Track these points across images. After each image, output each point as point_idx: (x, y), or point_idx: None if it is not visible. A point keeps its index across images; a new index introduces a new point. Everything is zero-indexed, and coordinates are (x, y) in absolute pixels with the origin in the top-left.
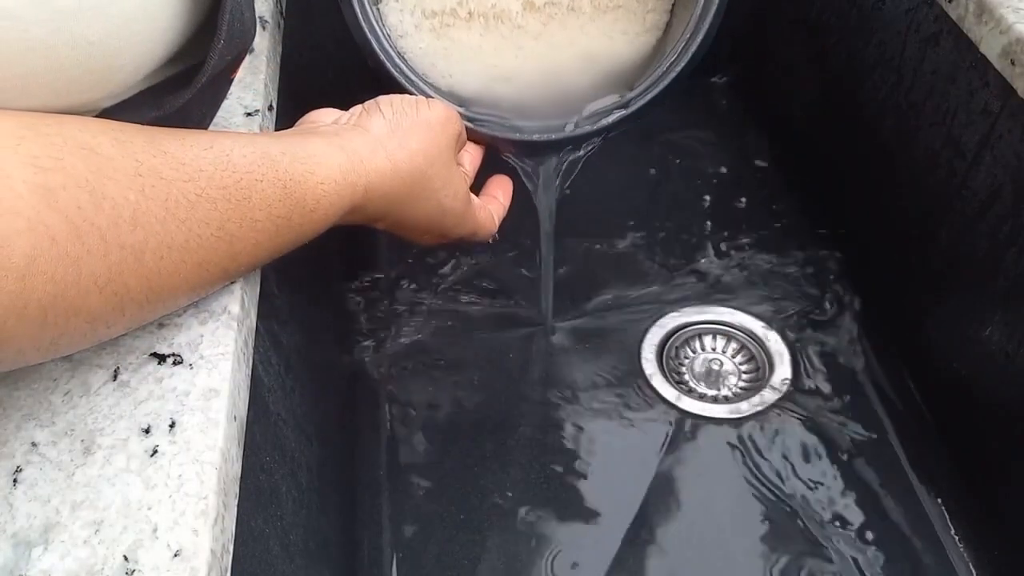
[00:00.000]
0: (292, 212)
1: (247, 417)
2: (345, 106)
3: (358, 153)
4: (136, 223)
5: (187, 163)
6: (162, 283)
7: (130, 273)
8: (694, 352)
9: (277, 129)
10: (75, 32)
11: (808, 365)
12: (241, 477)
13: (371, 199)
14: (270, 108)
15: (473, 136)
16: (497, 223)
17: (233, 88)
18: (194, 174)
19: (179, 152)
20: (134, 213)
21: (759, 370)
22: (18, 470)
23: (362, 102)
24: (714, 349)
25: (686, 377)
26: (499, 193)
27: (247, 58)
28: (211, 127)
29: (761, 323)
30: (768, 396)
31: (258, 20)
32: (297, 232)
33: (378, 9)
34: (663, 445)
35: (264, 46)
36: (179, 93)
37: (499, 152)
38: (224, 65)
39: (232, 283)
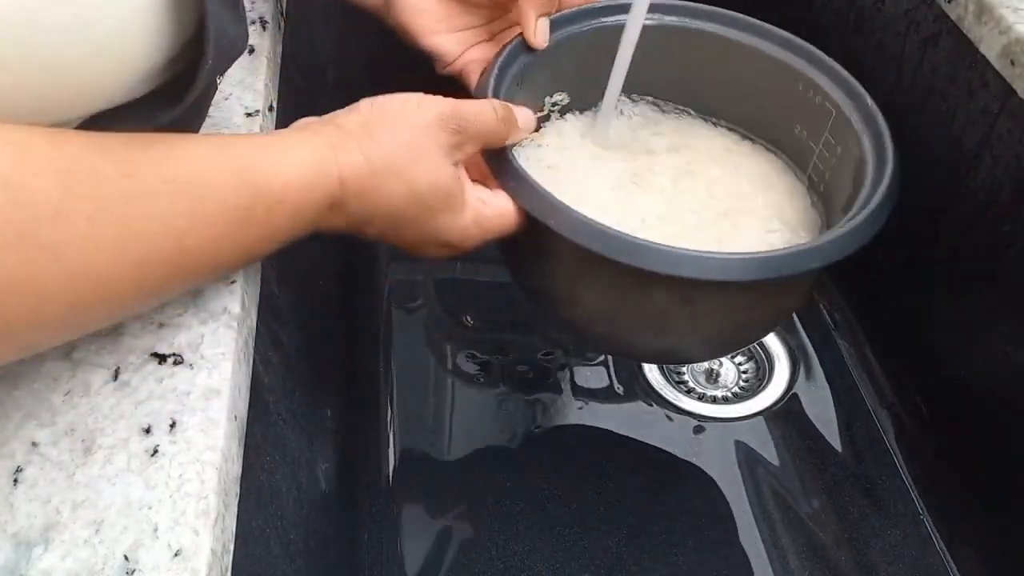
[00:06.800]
0: (255, 203)
1: (247, 417)
2: (345, 106)
3: (329, 143)
4: (57, 220)
5: (129, 159)
6: (92, 283)
7: (48, 274)
8: None
9: (277, 129)
10: (47, 54)
11: (807, 365)
12: (241, 477)
13: (348, 194)
14: (270, 108)
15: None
16: (502, 221)
17: (233, 88)
18: (135, 169)
19: (121, 149)
20: (56, 210)
21: (759, 370)
22: (18, 470)
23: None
24: None
25: (686, 377)
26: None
27: (248, 58)
28: (211, 127)
29: None
30: (768, 396)
31: (258, 20)
32: (266, 226)
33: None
34: (663, 445)
35: (264, 46)
36: (169, 110)
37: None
38: (213, 80)
39: (231, 282)
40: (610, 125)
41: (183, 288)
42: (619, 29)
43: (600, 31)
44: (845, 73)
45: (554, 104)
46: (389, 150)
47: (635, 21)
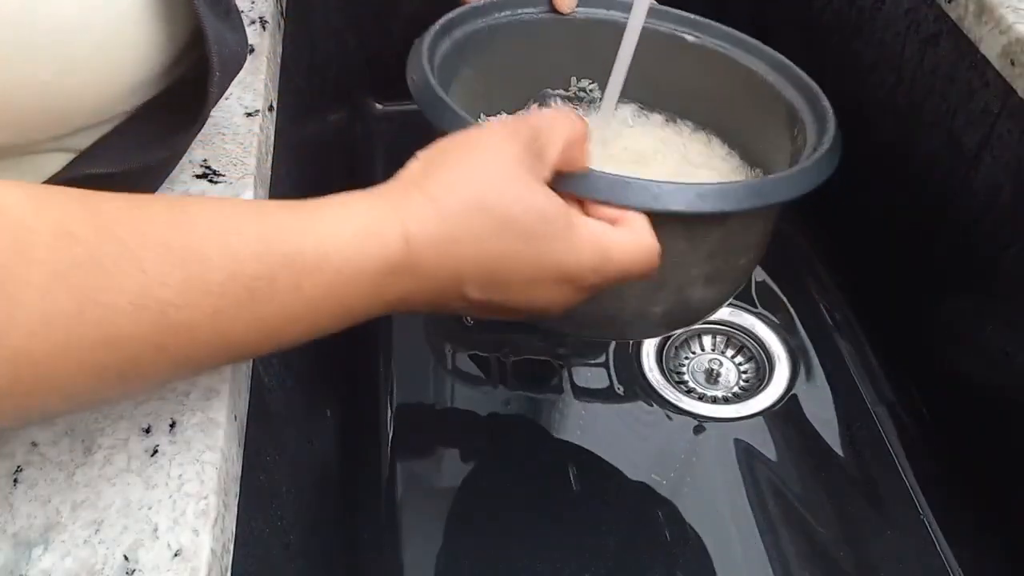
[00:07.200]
0: (276, 271)
1: (247, 417)
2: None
3: (387, 198)
4: None
5: (115, 219)
6: (38, 365)
7: None
8: (694, 353)
9: (278, 128)
10: (28, 72)
11: (808, 365)
12: (241, 477)
13: (419, 251)
14: (270, 108)
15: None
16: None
17: (233, 88)
18: (119, 230)
19: (109, 207)
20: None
21: (759, 370)
22: (18, 470)
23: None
24: (714, 349)
25: (686, 378)
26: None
27: (248, 58)
28: (211, 127)
29: (761, 323)
30: (768, 396)
31: (258, 20)
32: (297, 301)
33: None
34: (663, 445)
35: (264, 46)
36: (183, 132)
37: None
38: (224, 90)
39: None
40: (609, 124)
41: (178, 373)
42: (540, 23)
43: (519, 24)
44: (826, 104)
45: (580, 89)
46: (459, 184)
47: (637, 19)
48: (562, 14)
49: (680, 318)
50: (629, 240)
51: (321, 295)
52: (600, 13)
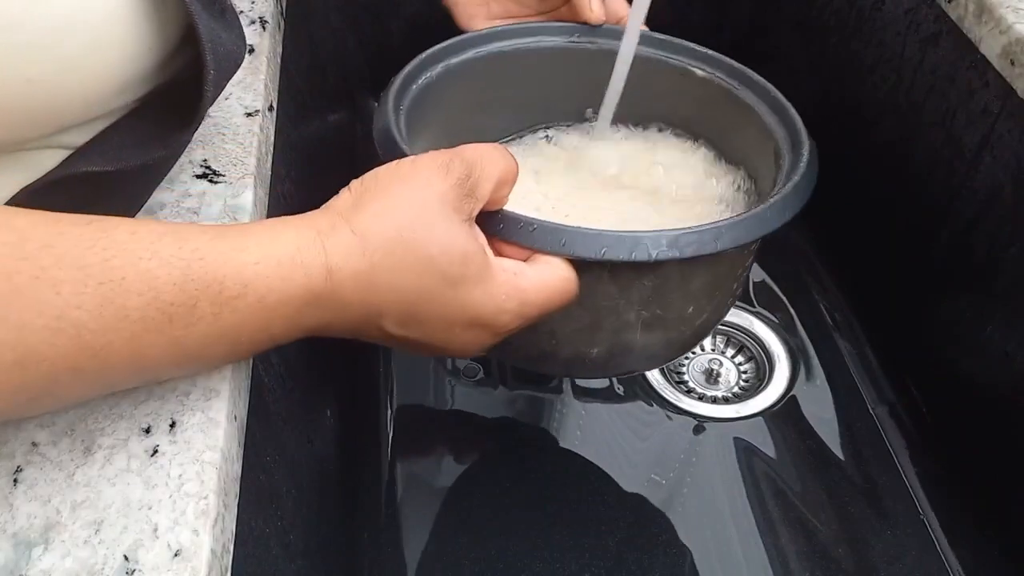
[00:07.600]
0: (197, 299)
1: (247, 417)
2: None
3: (314, 228)
4: None
5: (32, 239)
6: None
7: None
8: (694, 353)
9: (277, 128)
10: (13, 72)
11: (808, 365)
12: (241, 477)
13: (340, 284)
14: (270, 108)
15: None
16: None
17: (233, 88)
18: (37, 251)
19: (28, 227)
20: None
21: (759, 370)
22: (18, 470)
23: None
24: (714, 349)
25: (686, 377)
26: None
27: (248, 58)
28: (211, 127)
29: (761, 323)
30: (768, 396)
31: (258, 20)
32: (215, 326)
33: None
34: (663, 445)
35: (264, 46)
36: (180, 132)
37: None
38: (221, 89)
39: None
40: (604, 138)
41: (92, 394)
42: (514, 53)
43: (494, 57)
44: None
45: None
46: (385, 219)
47: (631, 35)
48: (594, 25)
49: (626, 362)
50: (544, 278)
51: (241, 321)
52: (594, 43)
